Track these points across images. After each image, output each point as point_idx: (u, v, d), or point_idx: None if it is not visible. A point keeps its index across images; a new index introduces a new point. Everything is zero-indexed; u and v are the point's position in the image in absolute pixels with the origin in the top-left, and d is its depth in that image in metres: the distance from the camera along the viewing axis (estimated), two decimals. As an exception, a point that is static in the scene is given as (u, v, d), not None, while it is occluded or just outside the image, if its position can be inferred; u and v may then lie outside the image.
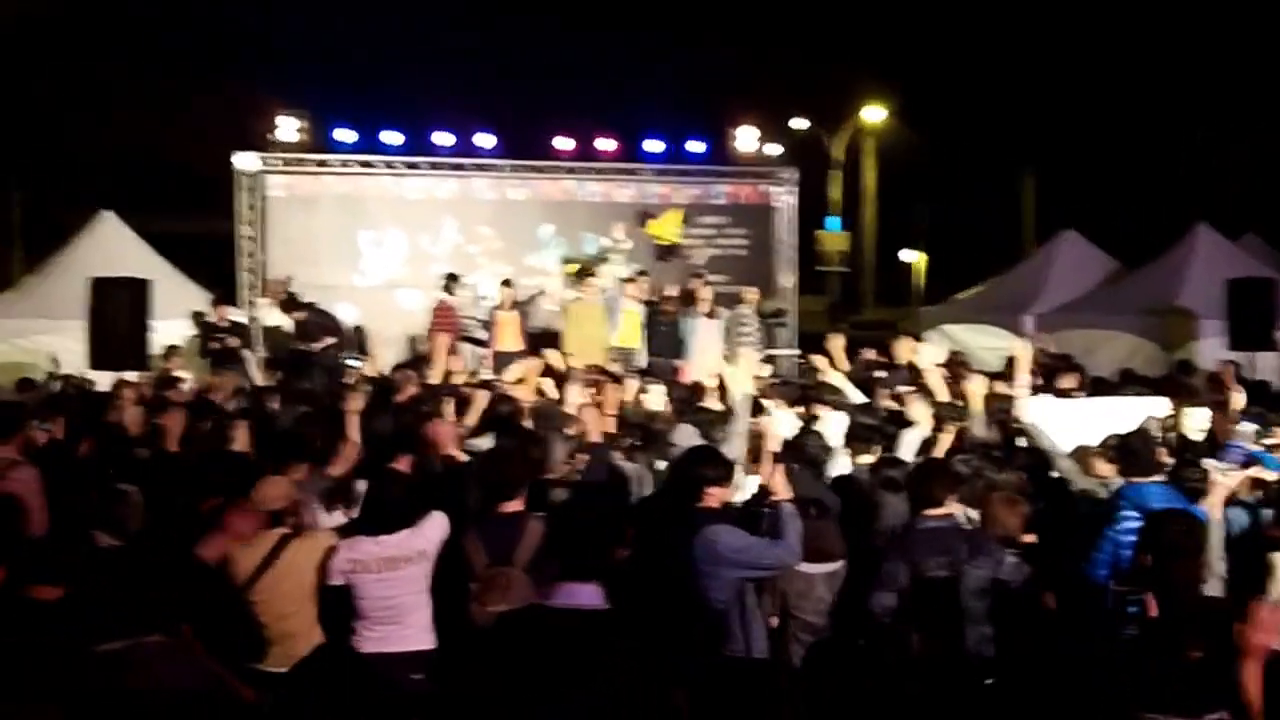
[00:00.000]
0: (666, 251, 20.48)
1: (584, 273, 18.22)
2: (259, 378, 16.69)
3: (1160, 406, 10.16)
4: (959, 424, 9.46)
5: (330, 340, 17.76)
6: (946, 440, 9.21)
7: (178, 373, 14.44)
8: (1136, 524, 7.21)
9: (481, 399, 10.19)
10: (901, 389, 11.25)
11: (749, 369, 10.85)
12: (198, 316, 18.21)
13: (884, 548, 7.09)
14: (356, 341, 18.49)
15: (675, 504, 6.98)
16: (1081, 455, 8.48)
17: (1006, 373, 14.04)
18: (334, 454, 8.43)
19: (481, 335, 17.86)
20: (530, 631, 4.74)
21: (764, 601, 6.65)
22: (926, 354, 11.88)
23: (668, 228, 20.34)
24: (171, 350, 15.43)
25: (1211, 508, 7.02)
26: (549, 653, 4.59)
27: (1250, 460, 8.37)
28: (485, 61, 40.58)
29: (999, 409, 9.95)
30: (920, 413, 9.79)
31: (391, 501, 6.66)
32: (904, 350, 12.35)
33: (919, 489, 7.13)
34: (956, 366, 12.57)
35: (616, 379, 12.37)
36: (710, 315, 17.55)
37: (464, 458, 8.93)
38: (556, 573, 4.92)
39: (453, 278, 18.29)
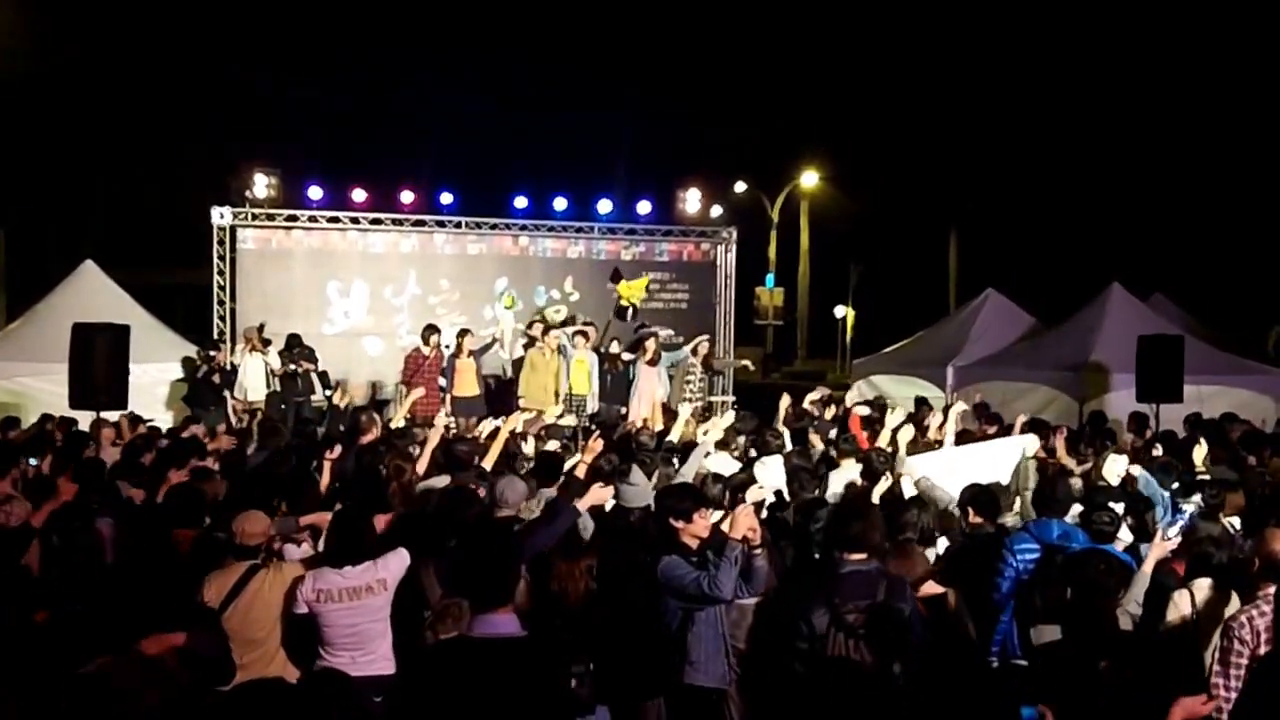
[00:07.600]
0: (624, 311, 20.43)
1: (546, 326, 18.28)
2: (234, 420, 16.69)
3: (1029, 443, 10.28)
4: (888, 468, 9.50)
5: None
6: (883, 486, 9.08)
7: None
8: (1035, 555, 7.30)
9: (435, 437, 10.06)
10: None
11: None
12: (191, 362, 18.39)
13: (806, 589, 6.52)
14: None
15: (654, 535, 7.03)
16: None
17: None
18: (303, 492, 8.44)
19: (442, 381, 17.82)
20: (458, 660, 4.76)
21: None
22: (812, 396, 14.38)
23: (635, 290, 20.38)
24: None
25: (1147, 561, 6.78)
26: (476, 679, 4.62)
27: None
28: (447, 124, 40.82)
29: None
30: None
31: (355, 536, 6.64)
32: (814, 394, 14.02)
33: (842, 530, 6.35)
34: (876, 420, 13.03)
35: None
36: (651, 363, 17.63)
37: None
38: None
39: (431, 329, 18.20)
